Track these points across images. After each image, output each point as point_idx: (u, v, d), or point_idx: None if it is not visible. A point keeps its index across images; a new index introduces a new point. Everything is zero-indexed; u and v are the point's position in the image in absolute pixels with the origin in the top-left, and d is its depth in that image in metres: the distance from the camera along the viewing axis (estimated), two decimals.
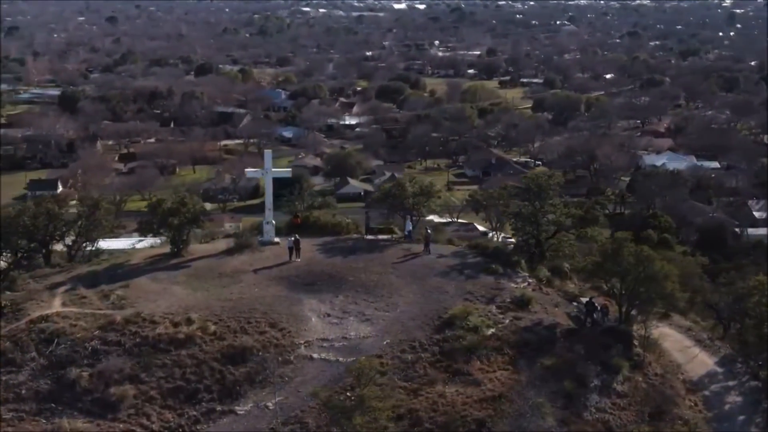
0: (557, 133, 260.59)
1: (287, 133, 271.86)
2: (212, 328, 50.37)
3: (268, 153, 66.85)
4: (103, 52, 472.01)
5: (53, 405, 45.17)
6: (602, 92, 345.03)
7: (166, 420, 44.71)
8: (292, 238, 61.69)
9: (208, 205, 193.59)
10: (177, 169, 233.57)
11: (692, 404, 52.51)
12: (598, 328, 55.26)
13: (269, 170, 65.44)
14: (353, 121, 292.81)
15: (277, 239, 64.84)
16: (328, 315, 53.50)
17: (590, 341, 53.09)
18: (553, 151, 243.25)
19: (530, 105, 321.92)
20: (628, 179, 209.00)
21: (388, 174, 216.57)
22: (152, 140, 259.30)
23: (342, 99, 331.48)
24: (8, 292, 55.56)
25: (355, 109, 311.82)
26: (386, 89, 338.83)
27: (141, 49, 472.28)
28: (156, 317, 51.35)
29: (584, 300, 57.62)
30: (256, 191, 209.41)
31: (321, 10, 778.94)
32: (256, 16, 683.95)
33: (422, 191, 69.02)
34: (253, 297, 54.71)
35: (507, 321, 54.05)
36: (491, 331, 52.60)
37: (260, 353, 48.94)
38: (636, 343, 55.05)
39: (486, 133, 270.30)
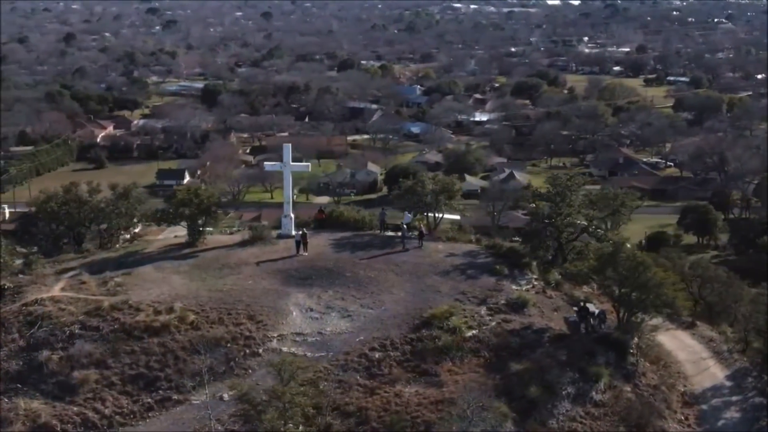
0: (694, 134, 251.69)
1: (415, 129, 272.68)
2: (191, 317, 51.08)
3: (287, 146, 66.91)
4: (253, 47, 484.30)
5: (19, 385, 46.78)
6: (749, 92, 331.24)
7: (120, 405, 45.58)
8: (300, 232, 62.04)
9: (326, 199, 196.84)
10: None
11: (683, 418, 50.31)
12: (593, 334, 53.30)
13: (288, 163, 65.77)
14: (483, 118, 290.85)
15: (294, 232, 65.11)
16: (311, 309, 53.48)
17: (576, 347, 51.33)
18: (686, 152, 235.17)
19: (671, 104, 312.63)
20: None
21: (507, 171, 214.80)
22: (285, 134, 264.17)
23: (476, 95, 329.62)
24: (20, 275, 57.91)
25: (488, 105, 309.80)
26: (523, 86, 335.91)
27: (290, 44, 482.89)
28: (142, 305, 52.45)
29: (588, 305, 55.59)
30: (374, 185, 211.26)
31: (472, 6, 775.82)
32: (406, 12, 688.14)
33: (443, 189, 67.92)
34: (243, 289, 55.19)
35: (494, 323, 52.80)
36: (472, 332, 51.50)
37: (228, 345, 49.39)
38: (633, 351, 52.97)
39: (619, 131, 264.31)
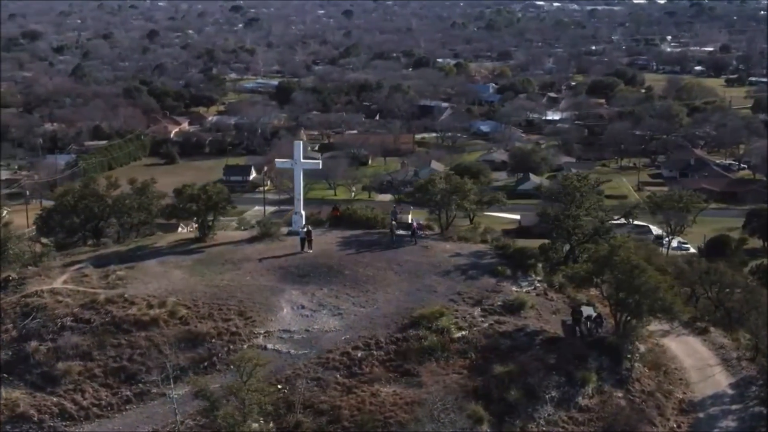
0: None
1: (484, 127, 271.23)
2: (182, 312, 51.54)
3: (298, 144, 67.01)
4: (332, 45, 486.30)
5: (5, 375, 47.74)
6: None
7: (99, 397, 46.22)
8: (304, 230, 62.07)
9: (387, 197, 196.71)
10: (370, 160, 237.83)
11: (675, 426, 48.86)
12: (588, 338, 52.21)
13: (299, 161, 65.87)
14: (556, 117, 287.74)
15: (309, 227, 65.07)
16: (303, 307, 53.48)
17: (567, 351, 50.28)
18: (760, 154, 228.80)
19: (750, 105, 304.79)
20: None
21: (573, 171, 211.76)
22: (354, 131, 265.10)
23: (550, 94, 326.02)
24: (30, 267, 59.13)
25: (561, 104, 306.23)
26: (599, 84, 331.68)
27: (369, 42, 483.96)
28: (137, 298, 53.13)
29: (584, 308, 54.51)
30: None
31: (555, 4, 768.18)
32: (487, 10, 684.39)
33: (454, 189, 67.09)
34: (239, 285, 55.49)
35: (485, 325, 52.10)
36: (461, 333, 50.89)
37: (213, 340, 49.61)
38: (630, 356, 51.69)
39: (693, 132, 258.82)
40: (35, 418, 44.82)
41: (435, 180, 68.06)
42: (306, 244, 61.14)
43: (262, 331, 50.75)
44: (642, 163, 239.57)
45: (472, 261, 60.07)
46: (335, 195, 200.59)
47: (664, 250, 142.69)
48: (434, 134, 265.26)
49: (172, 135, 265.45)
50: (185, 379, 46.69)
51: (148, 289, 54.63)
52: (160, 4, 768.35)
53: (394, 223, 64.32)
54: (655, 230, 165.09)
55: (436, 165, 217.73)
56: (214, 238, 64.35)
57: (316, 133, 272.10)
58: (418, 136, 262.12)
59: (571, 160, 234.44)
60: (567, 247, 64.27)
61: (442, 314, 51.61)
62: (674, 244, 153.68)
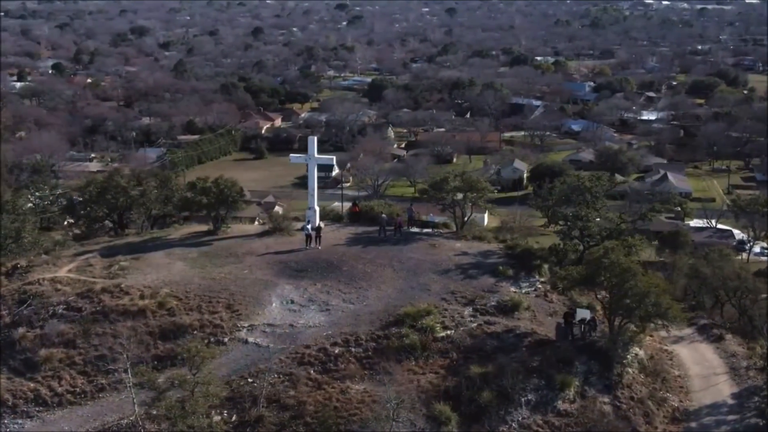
0: None
1: (576, 126, 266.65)
2: (171, 303, 51.86)
3: (312, 139, 66.68)
4: (431, 43, 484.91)
5: None
6: None
7: (75, 385, 46.72)
8: (310, 226, 61.86)
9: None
10: (454, 158, 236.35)
11: None
12: (579, 341, 50.68)
13: (312, 156, 65.64)
14: (651, 116, 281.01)
15: (321, 224, 64.93)
16: (292, 302, 53.30)
17: (553, 354, 48.86)
18: None
19: None
20: None
21: (661, 173, 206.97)
22: (442, 129, 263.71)
23: (648, 93, 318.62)
24: (44, 255, 60.45)
25: (659, 103, 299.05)
26: (699, 84, 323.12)
27: (469, 40, 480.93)
28: (132, 289, 53.69)
29: (579, 310, 52.91)
30: (519, 183, 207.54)
31: (664, 3, 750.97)
32: (594, 8, 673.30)
33: (468, 187, 66.00)
34: (235, 278, 55.69)
35: (474, 325, 51.06)
36: (446, 333, 49.97)
37: (195, 332, 49.76)
38: (625, 361, 49.99)
39: None
40: (10, 403, 45.54)
41: (448, 178, 67.11)
42: (315, 240, 61.07)
43: (246, 325, 50.70)
44: (736, 165, 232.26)
45: (476, 260, 59.09)
46: (414, 192, 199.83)
47: (745, 256, 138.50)
48: (523, 133, 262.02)
49: (263, 131, 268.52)
50: (162, 370, 46.86)
51: (146, 280, 55.21)
52: (267, 1, 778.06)
53: (384, 216, 63.89)
54: (738, 234, 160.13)
55: (519, 164, 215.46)
56: (226, 232, 64.78)
57: (404, 130, 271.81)
58: (507, 135, 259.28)
59: (661, 161, 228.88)
60: (581, 248, 62.51)
61: (428, 313, 50.83)
62: (756, 249, 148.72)
